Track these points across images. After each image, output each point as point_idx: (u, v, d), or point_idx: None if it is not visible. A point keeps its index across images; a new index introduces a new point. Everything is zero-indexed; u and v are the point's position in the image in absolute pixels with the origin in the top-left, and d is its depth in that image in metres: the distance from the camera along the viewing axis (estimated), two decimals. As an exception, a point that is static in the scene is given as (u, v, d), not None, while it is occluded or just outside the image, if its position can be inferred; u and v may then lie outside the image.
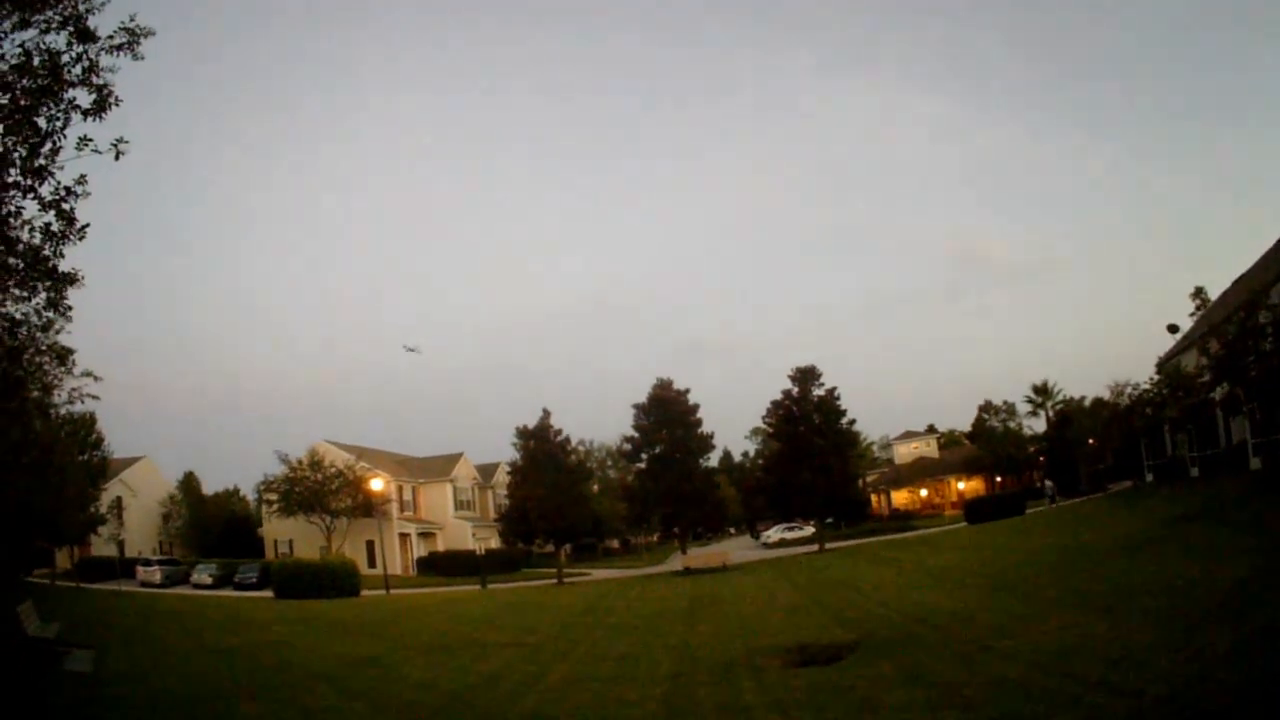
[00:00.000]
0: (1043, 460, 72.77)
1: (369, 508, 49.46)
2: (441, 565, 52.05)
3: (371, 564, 48.95)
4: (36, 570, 44.37)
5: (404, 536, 55.42)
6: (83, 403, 21.80)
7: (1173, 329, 46.11)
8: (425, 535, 57.81)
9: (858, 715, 8.94)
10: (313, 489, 50.50)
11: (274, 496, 53.11)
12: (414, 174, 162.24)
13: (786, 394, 48.45)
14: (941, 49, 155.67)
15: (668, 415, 49.91)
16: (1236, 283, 41.50)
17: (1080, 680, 8.91)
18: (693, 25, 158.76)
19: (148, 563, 47.79)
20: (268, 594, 39.58)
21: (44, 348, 15.96)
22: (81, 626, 20.77)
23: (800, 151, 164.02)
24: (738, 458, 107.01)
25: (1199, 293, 42.51)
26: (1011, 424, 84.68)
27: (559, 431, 47.06)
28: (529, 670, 13.68)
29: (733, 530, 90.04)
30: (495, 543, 59.26)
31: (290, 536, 54.12)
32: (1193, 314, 41.72)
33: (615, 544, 71.94)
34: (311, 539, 51.67)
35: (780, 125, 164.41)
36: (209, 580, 45.75)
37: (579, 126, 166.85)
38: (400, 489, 56.64)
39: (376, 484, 49.18)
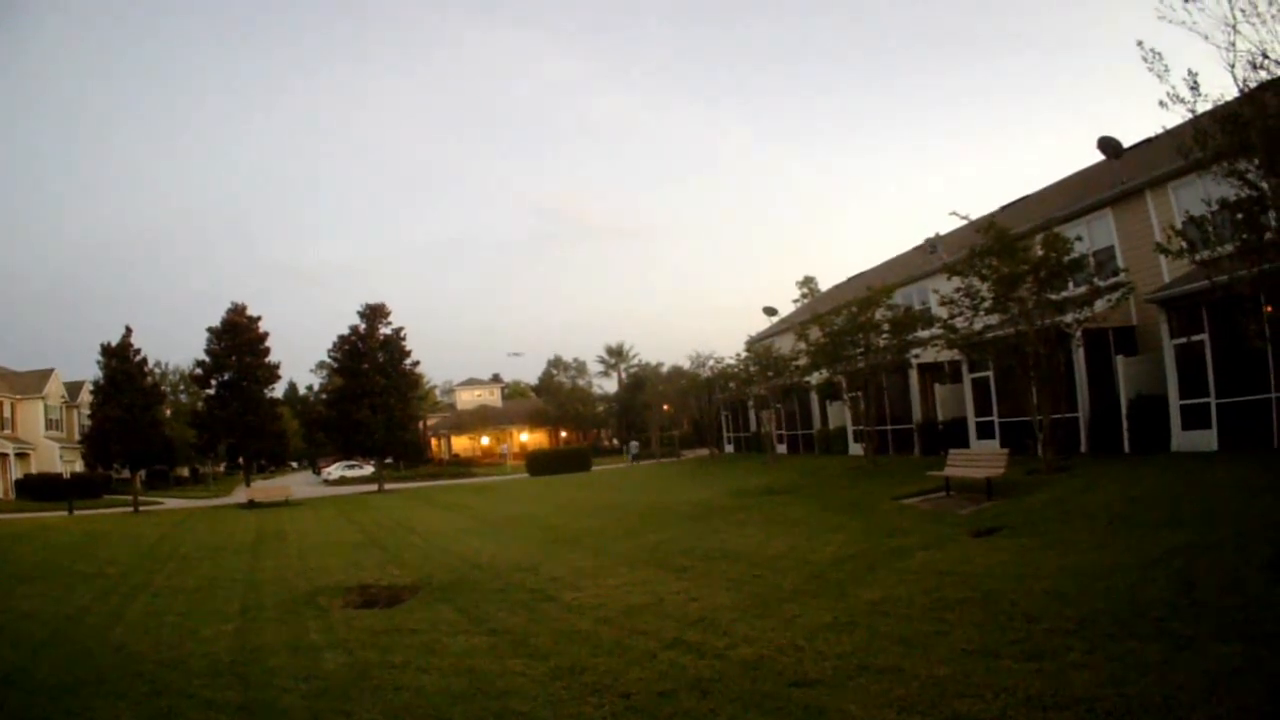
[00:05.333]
0: (612, 420, 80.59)
1: (-26, 422, 51.07)
2: (36, 488, 53.26)
3: (-26, 485, 50.51)
4: None
5: (4, 457, 55.78)
6: None
7: (770, 311, 52.21)
8: (20, 456, 58.39)
9: (423, 658, 9.45)
10: None
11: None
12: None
13: (354, 329, 53.93)
14: (584, 9, 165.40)
15: (239, 342, 54.14)
16: (853, 279, 48.26)
17: (654, 637, 9.44)
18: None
19: None
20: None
21: None
22: None
23: (421, 89, 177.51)
24: (303, 390, 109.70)
25: (807, 281, 48.90)
26: (581, 381, 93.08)
27: (138, 351, 50.66)
28: (115, 602, 14.88)
29: (295, 465, 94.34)
30: (80, 466, 59.86)
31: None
32: (797, 300, 47.42)
33: (185, 472, 75.44)
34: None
35: (405, 64, 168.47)
36: None
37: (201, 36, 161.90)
38: (1, 405, 58.34)
39: None
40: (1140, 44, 10.96)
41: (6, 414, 58.90)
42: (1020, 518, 14.63)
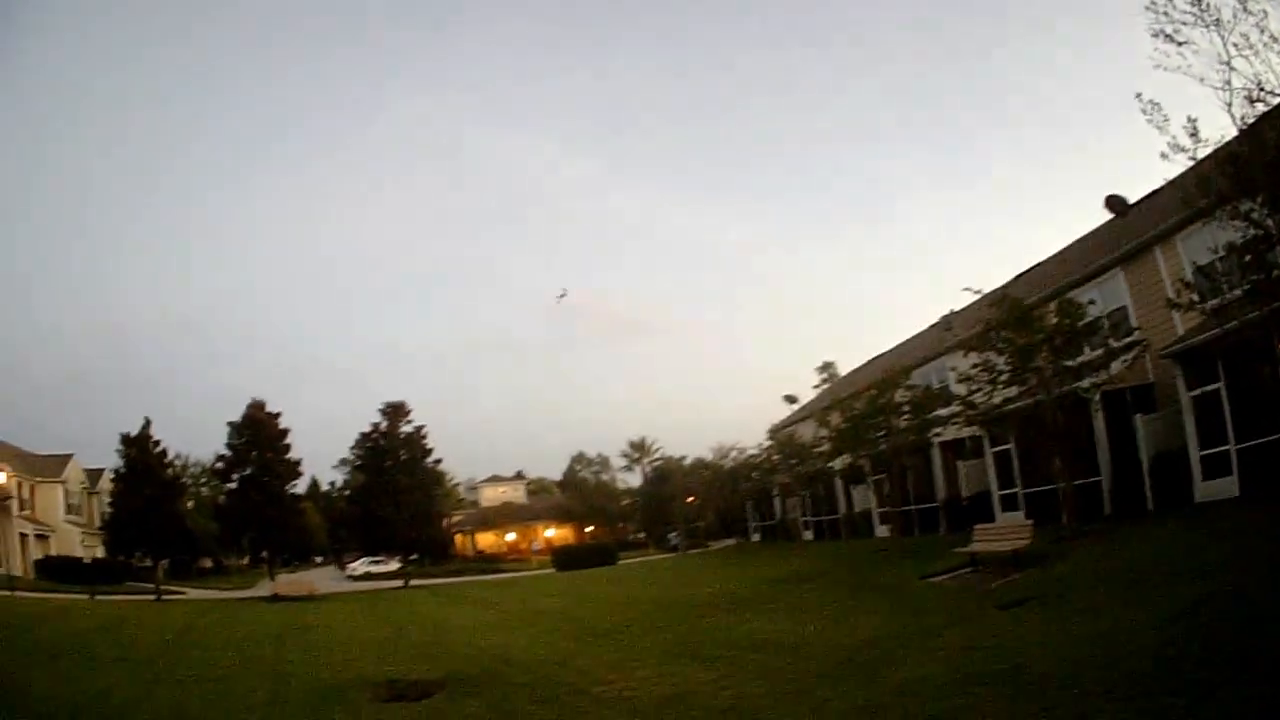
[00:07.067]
0: (637, 514, 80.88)
1: (-8, 502, 50.64)
2: (57, 570, 52.74)
3: (-4, 563, 49.81)
4: None
5: (23, 537, 55.81)
6: None
7: (790, 399, 52.38)
8: (40, 537, 58.66)
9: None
10: None
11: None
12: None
13: (375, 427, 54.28)
14: (594, 108, 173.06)
15: (259, 437, 54.47)
16: (872, 362, 48.42)
17: None
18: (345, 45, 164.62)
19: None
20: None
21: None
22: None
23: (434, 188, 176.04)
24: (325, 486, 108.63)
25: (827, 366, 49.26)
26: (605, 476, 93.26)
27: (158, 442, 51.01)
28: (138, 687, 14.69)
29: (320, 559, 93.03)
30: (100, 551, 59.49)
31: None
32: (817, 386, 47.32)
33: (209, 563, 74.72)
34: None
35: (419, 164, 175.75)
36: None
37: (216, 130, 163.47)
38: (19, 485, 56.75)
39: (0, 477, 49.85)
40: (1139, 96, 11.08)
41: (25, 495, 58.20)
42: (1047, 587, 14.45)
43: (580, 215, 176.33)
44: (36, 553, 56.33)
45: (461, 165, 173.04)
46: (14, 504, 54.22)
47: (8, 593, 36.21)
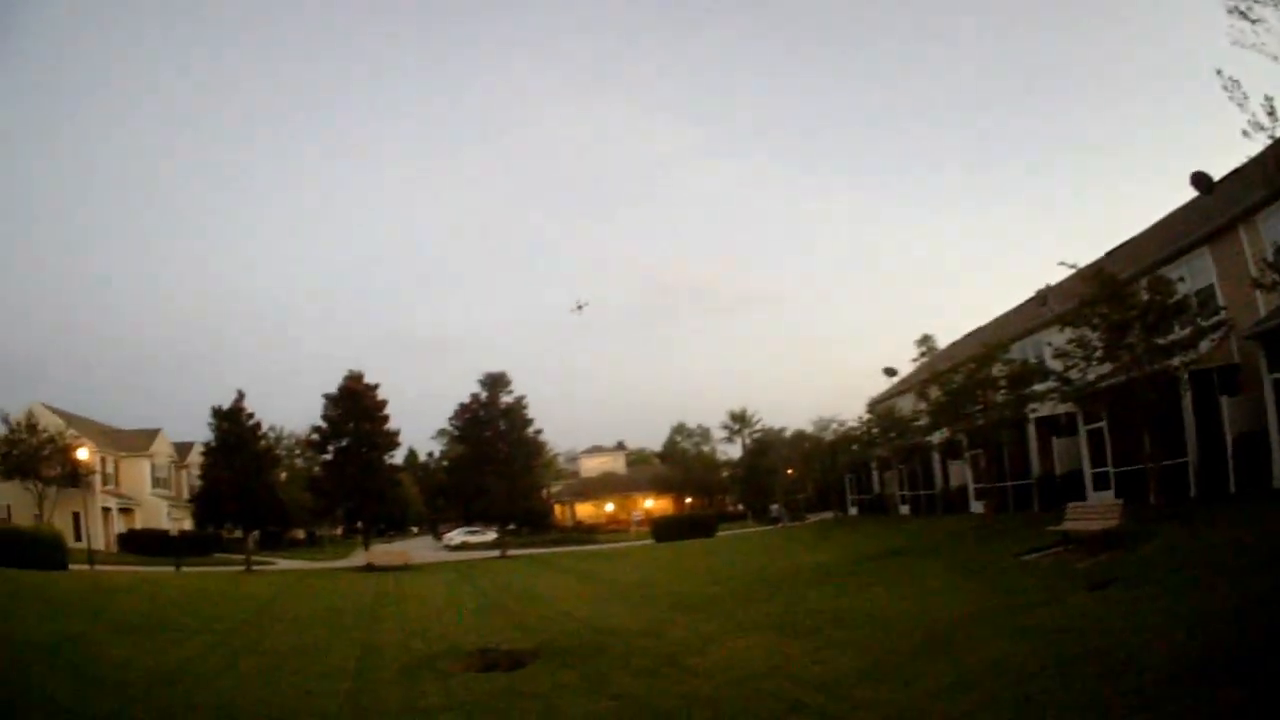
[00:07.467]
0: (737, 486, 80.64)
1: (76, 478, 51.80)
2: (140, 543, 53.99)
3: (77, 537, 50.28)
4: None
5: (106, 511, 57.74)
6: None
7: (890, 372, 51.73)
8: (125, 511, 60.68)
9: (542, 723, 9.30)
10: (28, 453, 50.97)
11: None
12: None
13: (475, 398, 53.97)
14: (693, 80, 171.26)
15: (356, 408, 54.16)
16: (969, 335, 47.83)
17: (776, 700, 9.55)
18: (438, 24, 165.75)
19: None
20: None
21: None
22: None
23: (531, 162, 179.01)
24: (423, 457, 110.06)
25: (925, 340, 48.62)
26: (705, 448, 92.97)
27: (250, 415, 51.30)
28: (221, 657, 14.63)
29: (415, 529, 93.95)
30: (189, 524, 61.51)
31: (7, 502, 53.62)
32: (915, 359, 46.86)
33: (301, 534, 76.60)
34: (23, 506, 52.08)
35: (517, 135, 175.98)
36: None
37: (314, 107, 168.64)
38: (104, 460, 58.79)
39: (82, 453, 50.71)
40: (1219, 73, 11.02)
41: (109, 470, 59.74)
42: (1134, 568, 14.39)
43: (683, 186, 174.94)
44: (121, 526, 57.79)
45: (560, 136, 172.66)
46: (97, 479, 55.60)
47: (85, 567, 36.15)
